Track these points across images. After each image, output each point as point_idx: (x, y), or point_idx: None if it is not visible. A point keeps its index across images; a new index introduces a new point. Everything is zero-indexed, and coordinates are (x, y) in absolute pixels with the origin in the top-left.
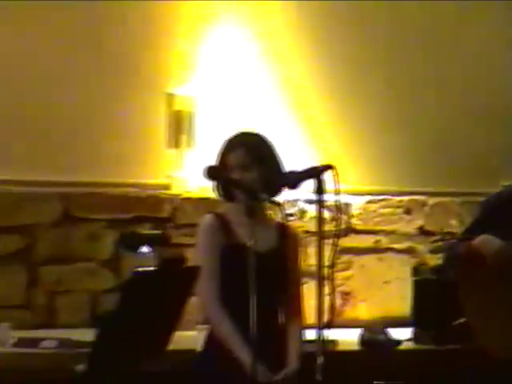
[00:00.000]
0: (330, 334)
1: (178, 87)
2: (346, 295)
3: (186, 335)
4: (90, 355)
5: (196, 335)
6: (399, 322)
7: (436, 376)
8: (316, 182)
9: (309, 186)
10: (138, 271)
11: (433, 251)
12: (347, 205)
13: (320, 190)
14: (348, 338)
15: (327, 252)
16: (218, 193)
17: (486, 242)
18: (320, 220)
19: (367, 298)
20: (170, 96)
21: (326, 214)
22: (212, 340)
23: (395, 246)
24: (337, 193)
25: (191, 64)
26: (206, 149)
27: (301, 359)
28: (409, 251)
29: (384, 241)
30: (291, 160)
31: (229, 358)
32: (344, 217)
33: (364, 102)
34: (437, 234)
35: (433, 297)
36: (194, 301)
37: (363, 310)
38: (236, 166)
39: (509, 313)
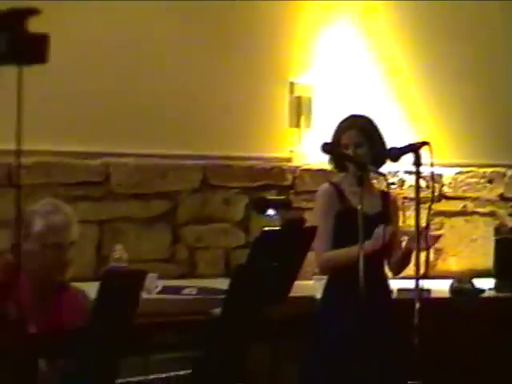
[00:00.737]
0: (425, 283)
1: (299, 76)
2: (439, 251)
3: (304, 284)
4: (225, 301)
5: (313, 284)
6: (483, 274)
7: None
8: (414, 155)
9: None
10: (266, 230)
11: (511, 215)
12: (439, 175)
13: (417, 162)
14: (440, 287)
15: (423, 215)
16: (332, 165)
17: None
18: (417, 188)
19: (456, 254)
20: (292, 84)
21: (422, 183)
22: (329, 288)
23: (479, 209)
24: (431, 165)
25: (310, 57)
26: (322, 128)
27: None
28: (491, 214)
29: (470, 205)
30: (393, 137)
31: (344, 304)
32: (437, 185)
33: (456, 83)
34: None
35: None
36: (311, 255)
37: (453, 264)
38: (350, 144)
39: None
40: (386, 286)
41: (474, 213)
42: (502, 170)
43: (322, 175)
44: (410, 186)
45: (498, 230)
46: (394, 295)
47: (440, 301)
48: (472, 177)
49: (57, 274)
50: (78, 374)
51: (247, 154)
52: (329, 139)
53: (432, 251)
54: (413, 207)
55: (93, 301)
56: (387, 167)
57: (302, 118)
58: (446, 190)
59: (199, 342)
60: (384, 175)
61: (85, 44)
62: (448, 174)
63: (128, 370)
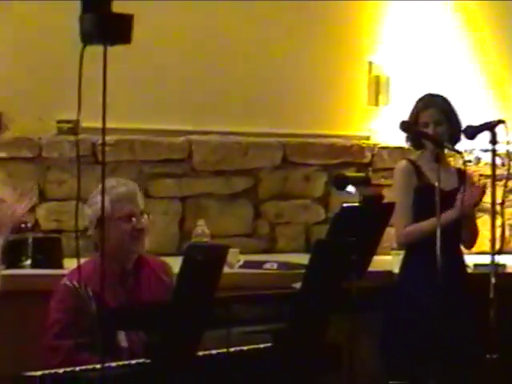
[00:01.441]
0: (501, 258)
1: (377, 55)
2: None
3: (382, 259)
4: (305, 275)
5: (391, 259)
6: None
7: None
8: (490, 134)
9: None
10: (346, 206)
11: None
12: None
13: (493, 140)
14: None
15: (498, 192)
16: (409, 143)
17: None
18: (493, 165)
19: None
20: (370, 63)
21: (498, 161)
22: (407, 263)
23: None
24: (507, 143)
25: (387, 36)
26: (400, 106)
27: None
28: None
29: None
30: (474, 114)
31: (422, 277)
32: None
33: None
34: None
35: None
36: (388, 231)
37: None
38: (430, 122)
39: None
40: (462, 260)
41: None
42: None
43: (400, 153)
44: (486, 163)
45: None
46: (470, 270)
47: None
48: None
49: (133, 245)
50: (160, 347)
51: (327, 131)
52: (407, 117)
53: (507, 227)
54: (488, 184)
55: (176, 275)
56: (463, 145)
57: (380, 97)
58: None
59: (280, 316)
60: (460, 153)
61: (168, 24)
62: None
63: (209, 343)
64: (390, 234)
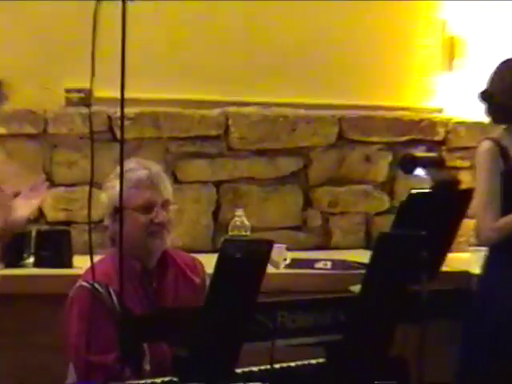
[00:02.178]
0: None
1: (452, 13)
2: None
3: (458, 257)
4: (366, 276)
5: (469, 257)
6: None
7: None
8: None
9: None
10: (414, 193)
11: None
12: None
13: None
14: None
15: None
16: (491, 116)
17: None
18: None
19: None
20: (444, 22)
21: None
22: (493, 262)
23: None
24: None
25: None
26: (479, 73)
27: None
28: None
29: None
30: None
31: (510, 278)
32: None
33: None
34: None
35: None
36: (466, 223)
37: None
38: None
39: None
40: None
41: None
42: None
43: (479, 129)
44: None
45: None
46: None
47: None
48: None
49: (150, 242)
50: (189, 362)
51: (392, 103)
52: (487, 86)
53: None
54: None
55: (209, 276)
56: None
57: (456, 62)
58: None
59: (335, 325)
60: None
61: None
62: None
63: (250, 357)
64: (468, 226)
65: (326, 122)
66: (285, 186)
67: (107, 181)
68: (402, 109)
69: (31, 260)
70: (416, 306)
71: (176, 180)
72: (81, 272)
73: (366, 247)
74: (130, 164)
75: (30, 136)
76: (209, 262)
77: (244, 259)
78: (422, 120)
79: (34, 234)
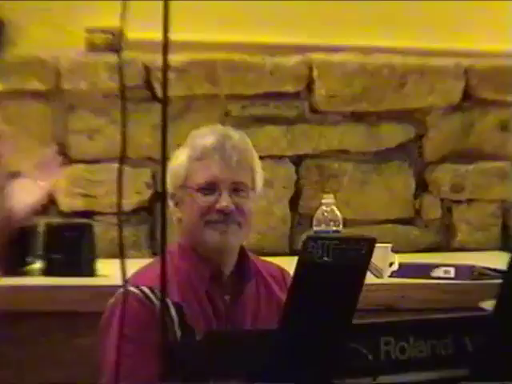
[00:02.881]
0: None
1: None
2: None
3: None
4: (503, 287)
5: None
6: None
7: None
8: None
9: None
10: None
11: None
12: None
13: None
14: None
15: None
16: None
17: None
18: None
19: None
20: None
21: None
22: None
23: None
24: None
25: None
26: None
27: None
28: None
29: None
30: None
31: None
32: None
33: None
34: None
35: None
36: None
37: None
38: None
39: None
40: None
41: None
42: None
43: None
44: None
45: None
46: None
47: None
48: None
49: (209, 234)
50: None
51: None
52: None
53: None
54: None
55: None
56: None
57: None
58: None
59: (459, 357)
60: None
61: None
62: None
63: None
64: None
65: (447, 75)
66: (390, 163)
67: (176, 151)
68: None
69: (38, 265)
70: None
71: None
72: (107, 282)
73: (503, 248)
74: (201, 129)
75: (36, 94)
76: (285, 268)
77: (334, 264)
78: None
79: (42, 229)
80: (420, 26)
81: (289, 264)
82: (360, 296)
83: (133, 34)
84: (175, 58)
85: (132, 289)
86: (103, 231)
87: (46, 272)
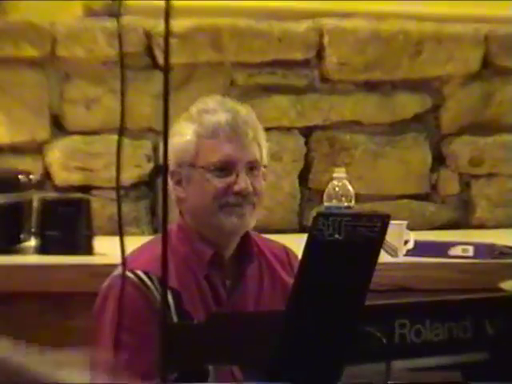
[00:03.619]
0: None
1: None
2: None
3: None
4: None
5: None
6: None
7: None
8: None
9: None
10: None
11: None
12: None
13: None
14: None
15: None
16: None
17: None
18: None
19: None
20: None
21: None
22: None
23: None
24: None
25: None
26: None
27: None
28: None
29: None
30: None
31: None
32: None
33: None
34: None
35: None
36: None
37: None
38: None
39: None
40: None
41: None
42: None
43: None
44: None
45: None
46: None
47: None
48: None
49: (225, 218)
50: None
51: None
52: None
53: None
54: None
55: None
56: None
57: None
58: None
59: (476, 341)
60: None
61: None
62: None
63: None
64: None
65: (465, 42)
66: (405, 135)
67: (176, 125)
68: None
69: (32, 243)
70: None
71: None
72: (105, 261)
73: None
74: (206, 102)
75: (31, 61)
76: (294, 247)
77: (346, 242)
78: None
79: (36, 204)
80: None
81: (298, 242)
82: (373, 276)
83: None
84: (178, 24)
85: (126, 273)
86: (101, 207)
87: (41, 250)
